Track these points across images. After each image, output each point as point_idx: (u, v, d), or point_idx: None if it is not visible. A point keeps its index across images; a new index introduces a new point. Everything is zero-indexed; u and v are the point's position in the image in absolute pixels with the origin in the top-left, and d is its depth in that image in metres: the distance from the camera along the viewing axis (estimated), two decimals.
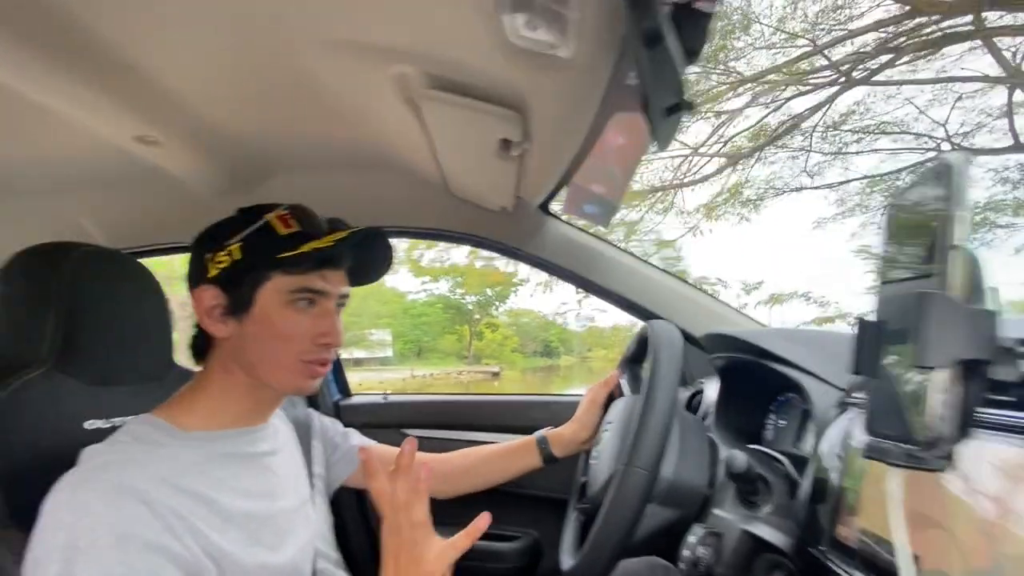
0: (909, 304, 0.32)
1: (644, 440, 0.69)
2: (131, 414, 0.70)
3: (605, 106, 0.70)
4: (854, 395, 0.57)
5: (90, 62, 0.70)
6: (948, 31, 3.70)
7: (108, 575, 0.50)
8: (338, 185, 1.18)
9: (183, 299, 0.74)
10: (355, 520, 1.37)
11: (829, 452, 0.58)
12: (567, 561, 0.81)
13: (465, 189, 1.12)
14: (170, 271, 1.61)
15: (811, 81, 4.43)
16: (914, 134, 4.20)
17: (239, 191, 1.08)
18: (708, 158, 5.17)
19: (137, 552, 0.52)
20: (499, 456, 1.05)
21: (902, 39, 3.88)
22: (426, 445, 0.86)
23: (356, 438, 1.01)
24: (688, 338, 1.12)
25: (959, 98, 3.87)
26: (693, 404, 1.09)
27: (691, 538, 0.70)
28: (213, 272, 0.67)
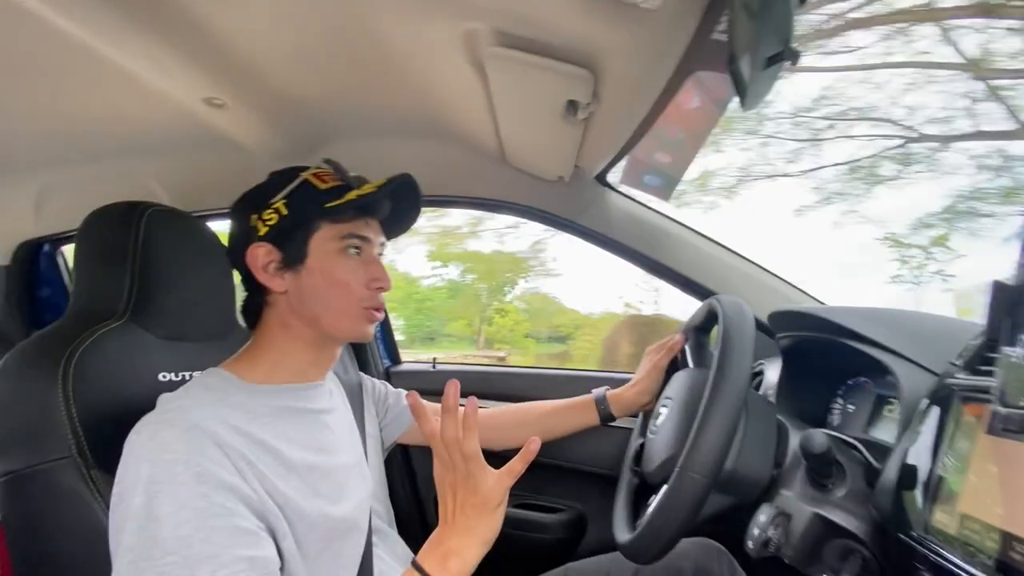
0: None
1: (706, 440, 0.66)
2: (199, 369, 0.73)
3: (684, 63, 0.66)
4: (955, 378, 0.53)
5: (164, 23, 0.71)
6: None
7: (189, 508, 0.52)
8: (393, 153, 1.18)
9: None
10: (402, 478, 1.40)
11: (922, 438, 0.54)
12: (622, 535, 0.80)
13: (522, 158, 1.10)
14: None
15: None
16: (883, 120, 3.87)
17: (297, 157, 1.09)
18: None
19: (213, 489, 0.54)
20: (556, 412, 1.05)
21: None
22: None
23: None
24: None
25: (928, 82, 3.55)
26: (753, 385, 1.05)
27: (761, 517, 0.67)
28: (263, 230, 0.70)
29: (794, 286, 1.18)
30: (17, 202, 1.26)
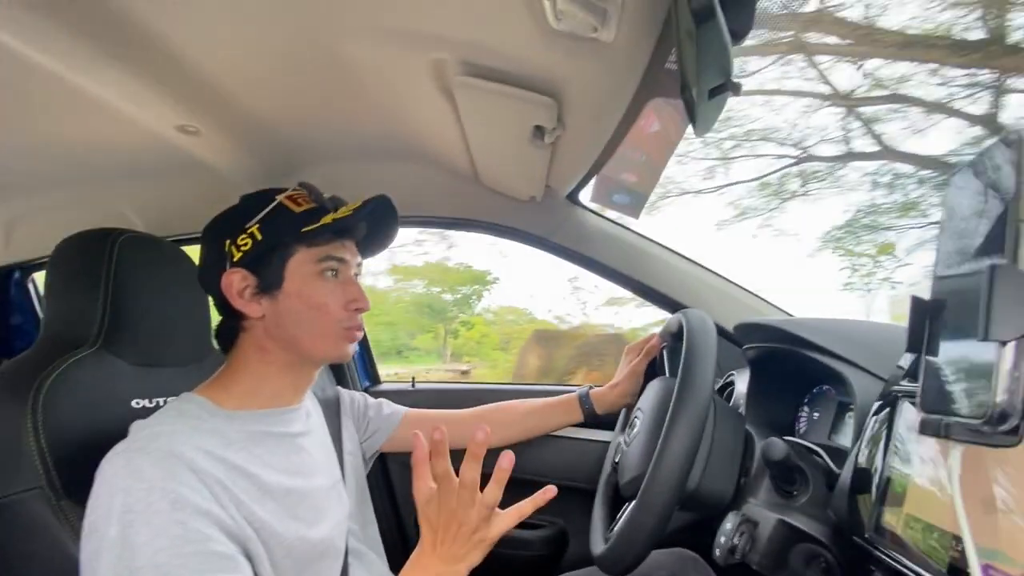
0: (972, 280, 0.31)
1: (668, 460, 0.67)
2: (173, 394, 0.72)
3: (642, 91, 0.70)
4: (899, 384, 0.56)
5: (136, 51, 0.72)
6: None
7: (165, 536, 0.52)
8: (368, 175, 1.19)
9: None
10: (379, 487, 1.38)
11: (873, 441, 0.57)
12: (597, 547, 0.81)
13: (495, 179, 1.13)
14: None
15: None
16: (779, 140, 4.08)
17: (272, 180, 1.10)
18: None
19: (190, 515, 0.54)
20: (539, 410, 1.06)
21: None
22: None
23: (388, 407, 1.02)
24: (719, 330, 1.10)
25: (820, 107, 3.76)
26: (723, 396, 1.08)
27: (727, 525, 0.70)
28: (237, 256, 0.69)
29: (761, 298, 1.22)
30: None
